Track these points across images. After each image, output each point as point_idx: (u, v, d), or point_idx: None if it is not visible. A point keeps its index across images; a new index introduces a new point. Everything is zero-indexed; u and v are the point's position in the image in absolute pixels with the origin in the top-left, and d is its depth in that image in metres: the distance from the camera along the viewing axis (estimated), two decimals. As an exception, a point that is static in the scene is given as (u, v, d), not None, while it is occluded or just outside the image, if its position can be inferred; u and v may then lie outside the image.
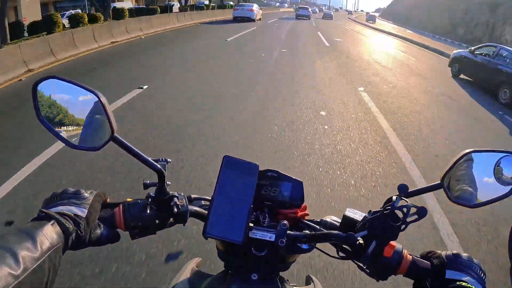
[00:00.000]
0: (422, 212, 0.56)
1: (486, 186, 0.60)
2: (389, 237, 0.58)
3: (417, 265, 0.59)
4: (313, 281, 0.84)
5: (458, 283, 0.53)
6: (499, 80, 7.76)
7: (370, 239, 0.59)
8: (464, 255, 0.57)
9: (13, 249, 0.40)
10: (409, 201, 0.58)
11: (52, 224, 0.47)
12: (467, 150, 0.60)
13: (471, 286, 0.52)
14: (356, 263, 0.61)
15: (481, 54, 9.04)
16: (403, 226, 0.58)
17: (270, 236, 0.60)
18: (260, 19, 22.31)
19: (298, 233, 0.63)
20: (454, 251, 0.57)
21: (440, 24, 23.29)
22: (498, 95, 7.70)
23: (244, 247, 0.62)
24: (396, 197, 0.58)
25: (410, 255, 0.60)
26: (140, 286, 1.86)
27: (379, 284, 0.75)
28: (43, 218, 0.48)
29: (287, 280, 0.77)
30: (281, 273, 0.71)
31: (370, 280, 0.61)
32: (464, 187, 0.61)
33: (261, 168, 0.65)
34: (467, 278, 0.54)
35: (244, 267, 0.65)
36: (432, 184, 0.60)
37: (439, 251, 0.58)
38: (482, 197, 0.60)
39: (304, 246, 0.66)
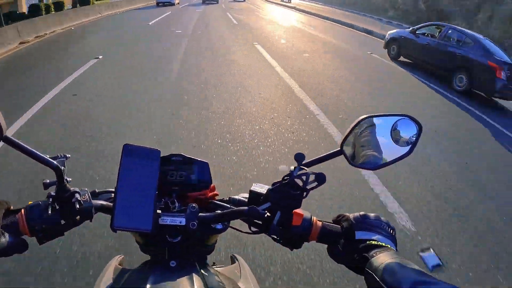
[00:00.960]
0: (321, 178, 0.59)
1: (387, 149, 0.65)
2: (292, 206, 0.62)
3: (328, 230, 0.63)
4: (237, 260, 0.87)
5: (368, 242, 0.57)
6: (452, 64, 7.28)
7: (274, 210, 0.62)
8: (372, 215, 0.62)
9: None
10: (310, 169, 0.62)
11: None
12: (362, 116, 0.65)
13: (381, 243, 0.57)
14: (269, 235, 0.63)
15: (423, 34, 8.49)
16: (304, 194, 0.61)
17: (180, 221, 0.62)
18: (178, 3, 25.86)
19: (208, 214, 0.65)
20: (362, 213, 0.61)
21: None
22: (452, 81, 7.23)
23: (157, 235, 0.63)
24: (295, 167, 0.61)
25: (320, 221, 0.64)
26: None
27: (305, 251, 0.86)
28: None
29: (214, 263, 0.84)
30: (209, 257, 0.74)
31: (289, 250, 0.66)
32: (368, 152, 0.66)
33: (166, 153, 0.68)
34: (376, 236, 0.58)
35: (163, 255, 0.66)
36: (332, 151, 0.65)
37: (348, 214, 0.62)
38: (383, 159, 0.65)
39: (218, 226, 0.68)
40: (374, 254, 0.54)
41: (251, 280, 0.78)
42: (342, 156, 0.66)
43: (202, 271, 0.65)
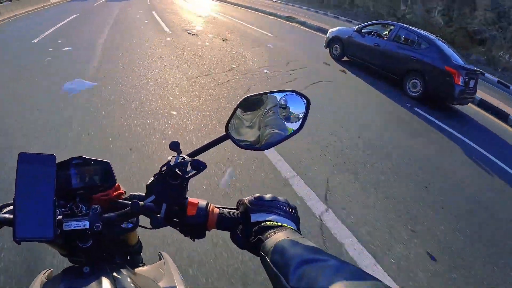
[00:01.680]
0: (199, 164, 0.61)
1: (277, 126, 0.66)
2: (176, 197, 0.63)
3: (225, 216, 0.64)
4: (163, 257, 0.89)
5: (263, 224, 0.58)
6: (405, 68, 6.91)
7: (160, 202, 0.62)
8: (268, 195, 0.63)
9: None
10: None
11: None
12: (244, 96, 0.66)
13: (276, 222, 0.57)
14: (155, 227, 0.64)
15: (370, 33, 8.00)
16: (184, 183, 0.62)
17: (84, 224, 0.61)
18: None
19: (111, 214, 0.65)
20: (257, 195, 0.63)
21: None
22: (405, 86, 6.91)
23: (68, 242, 0.64)
24: (174, 157, 0.63)
25: (218, 207, 0.65)
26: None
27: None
28: None
29: (144, 264, 0.86)
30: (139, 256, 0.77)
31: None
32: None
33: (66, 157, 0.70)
34: (272, 217, 0.59)
35: (78, 262, 0.68)
36: (218, 137, 0.67)
37: (244, 198, 0.63)
38: (274, 138, 0.66)
39: (129, 225, 0.70)
40: (268, 236, 0.54)
41: (175, 276, 0.78)
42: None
43: (114, 273, 0.65)
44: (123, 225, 0.69)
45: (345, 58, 8.52)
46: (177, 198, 0.62)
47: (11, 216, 0.61)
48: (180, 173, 0.61)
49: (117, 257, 0.75)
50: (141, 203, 0.62)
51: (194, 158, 0.62)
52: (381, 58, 7.37)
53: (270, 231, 0.54)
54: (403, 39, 7.15)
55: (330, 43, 8.79)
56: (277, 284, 0.45)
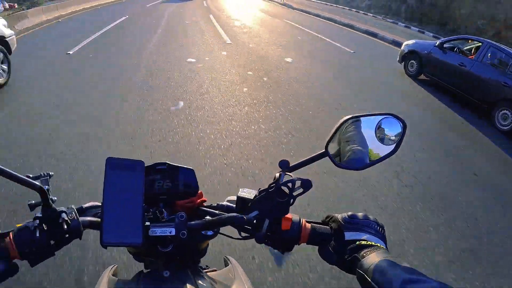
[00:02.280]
0: (307, 184, 0.62)
1: (372, 148, 0.67)
2: (280, 213, 0.64)
3: (317, 232, 0.65)
4: (230, 262, 0.89)
5: (357, 242, 0.59)
6: (495, 96, 5.77)
7: (263, 218, 0.64)
8: (360, 214, 0.64)
9: None
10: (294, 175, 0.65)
11: None
12: (346, 117, 0.67)
13: (370, 242, 0.59)
14: (258, 242, 0.66)
15: (453, 49, 6.97)
16: (291, 201, 0.63)
17: (170, 231, 0.63)
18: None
19: (197, 222, 0.68)
20: (350, 213, 0.64)
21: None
22: (495, 117, 5.69)
23: (148, 246, 0.65)
24: (280, 174, 0.64)
25: (309, 222, 0.67)
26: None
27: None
28: None
29: (207, 266, 0.87)
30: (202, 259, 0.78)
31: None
32: (353, 148, 0.68)
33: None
34: (365, 236, 0.61)
35: (156, 265, 0.69)
36: (316, 153, 0.67)
37: (336, 215, 0.66)
38: (368, 158, 0.67)
39: (209, 233, 0.71)
40: (364, 254, 0.57)
41: (245, 282, 0.79)
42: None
43: (196, 279, 0.67)
44: (203, 232, 0.70)
45: (422, 76, 7.50)
46: (280, 215, 0.64)
47: (97, 219, 0.63)
48: (287, 191, 0.63)
49: (190, 261, 0.77)
50: (245, 217, 0.64)
51: (305, 178, 0.62)
52: (466, 81, 6.27)
53: (365, 250, 0.57)
54: (494, 59, 5.92)
55: (405, 58, 7.83)
56: None
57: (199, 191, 0.75)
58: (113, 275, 0.82)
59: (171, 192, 0.72)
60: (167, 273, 0.65)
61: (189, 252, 0.72)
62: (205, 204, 0.77)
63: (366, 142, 0.67)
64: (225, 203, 0.76)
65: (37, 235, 0.57)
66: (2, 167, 0.56)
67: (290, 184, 0.62)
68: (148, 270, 0.72)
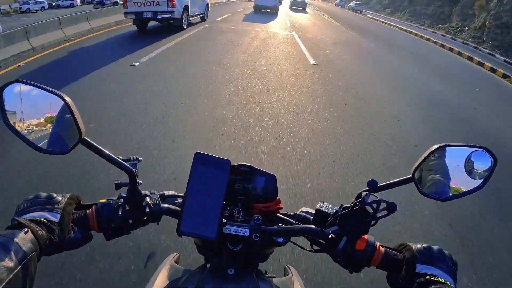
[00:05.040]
0: (391, 207, 0.61)
1: (458, 179, 0.67)
2: (360, 233, 0.64)
3: (390, 257, 0.65)
4: (291, 271, 0.88)
5: (427, 277, 0.59)
6: None
7: (341, 234, 0.65)
8: (435, 247, 0.63)
9: None
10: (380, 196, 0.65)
11: (25, 232, 0.49)
12: (438, 145, 0.66)
13: (440, 279, 0.58)
14: (332, 258, 0.67)
15: None
16: (373, 222, 0.64)
17: (244, 231, 0.65)
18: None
19: (272, 227, 0.69)
20: (425, 244, 0.63)
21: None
22: None
23: (219, 243, 0.68)
24: (366, 193, 0.64)
25: (383, 247, 0.67)
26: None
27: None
28: (16, 226, 0.51)
29: (266, 271, 0.87)
30: (260, 264, 0.79)
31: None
32: (436, 178, 0.67)
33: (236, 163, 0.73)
34: (437, 272, 0.60)
35: (221, 262, 0.70)
36: (403, 178, 0.67)
37: (410, 244, 0.65)
38: (453, 189, 0.67)
39: (279, 239, 0.72)
40: None
41: None
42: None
43: (259, 282, 0.68)
44: (274, 237, 0.70)
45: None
46: (360, 234, 0.64)
47: (176, 208, 0.68)
48: (370, 211, 0.63)
49: (252, 264, 0.77)
50: (324, 230, 0.65)
51: (391, 201, 0.61)
52: None
53: (433, 287, 0.56)
54: None
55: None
56: None
57: (277, 198, 0.77)
58: (175, 262, 0.85)
59: (250, 194, 0.75)
60: (231, 271, 0.67)
61: (254, 255, 0.73)
62: (281, 211, 0.78)
63: (449, 173, 0.66)
64: (302, 213, 0.77)
65: (120, 213, 0.62)
66: (100, 147, 0.60)
67: (375, 205, 0.62)
68: (211, 264, 0.74)
